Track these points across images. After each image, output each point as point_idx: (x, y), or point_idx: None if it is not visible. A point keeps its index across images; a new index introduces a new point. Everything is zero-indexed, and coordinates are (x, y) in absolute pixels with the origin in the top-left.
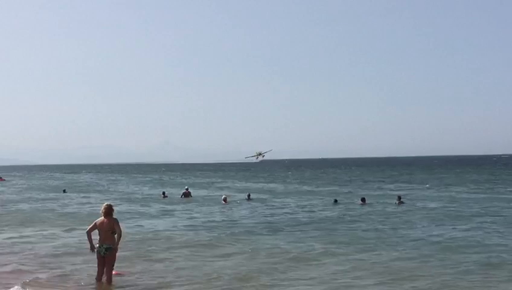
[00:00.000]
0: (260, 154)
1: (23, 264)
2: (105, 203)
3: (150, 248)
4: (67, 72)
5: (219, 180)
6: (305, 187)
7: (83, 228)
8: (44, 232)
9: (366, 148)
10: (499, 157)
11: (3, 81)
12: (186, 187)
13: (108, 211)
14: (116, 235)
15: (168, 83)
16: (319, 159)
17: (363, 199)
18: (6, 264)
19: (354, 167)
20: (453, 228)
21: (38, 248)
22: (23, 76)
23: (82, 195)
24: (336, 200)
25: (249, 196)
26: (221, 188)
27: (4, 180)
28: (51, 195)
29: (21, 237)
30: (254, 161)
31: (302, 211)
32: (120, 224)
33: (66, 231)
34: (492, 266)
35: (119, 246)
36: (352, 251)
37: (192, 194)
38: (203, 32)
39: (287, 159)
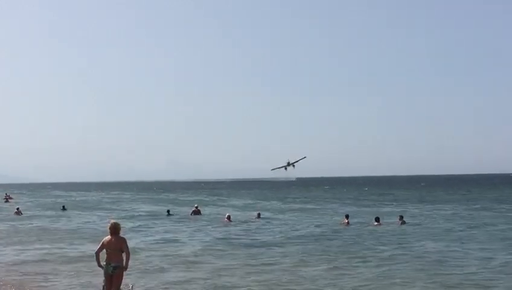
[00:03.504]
0: (290, 164)
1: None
2: (112, 221)
3: (150, 264)
4: (67, 84)
5: (232, 197)
6: (320, 205)
7: (84, 244)
8: (49, 249)
9: (361, 167)
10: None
11: (4, 97)
12: (195, 205)
13: (115, 229)
14: (124, 254)
15: (173, 98)
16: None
17: (377, 219)
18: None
19: (360, 185)
20: (446, 246)
21: (43, 264)
22: (25, 90)
23: (83, 213)
24: (347, 216)
25: (259, 214)
26: (232, 206)
27: (12, 198)
28: (53, 213)
29: (25, 253)
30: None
31: (309, 229)
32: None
33: (69, 247)
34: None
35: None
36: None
37: (201, 212)
38: (205, 43)
39: (296, 177)
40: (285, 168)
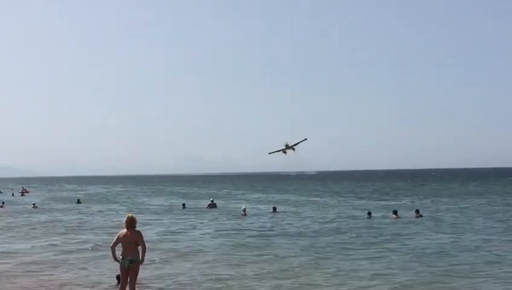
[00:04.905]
0: (289, 147)
1: (48, 273)
2: (128, 215)
3: (165, 258)
4: (83, 82)
5: (248, 191)
6: (337, 199)
7: (103, 237)
8: (69, 242)
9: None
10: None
11: (16, 92)
12: (211, 199)
13: (131, 223)
14: (140, 248)
15: (188, 92)
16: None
17: (395, 212)
18: (28, 274)
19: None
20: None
21: (63, 258)
22: (35, 85)
23: (98, 206)
24: (369, 213)
25: (274, 208)
26: (248, 200)
27: (28, 192)
28: (68, 206)
29: (46, 246)
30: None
31: (324, 223)
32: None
33: (88, 240)
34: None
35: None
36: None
37: (217, 205)
38: (219, 41)
39: (316, 171)
40: (284, 152)
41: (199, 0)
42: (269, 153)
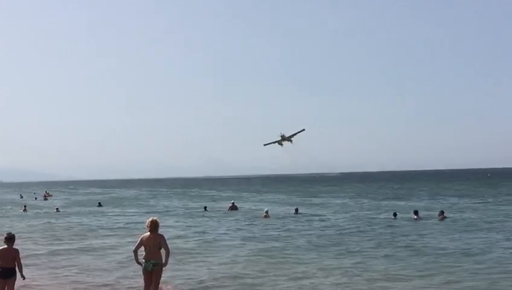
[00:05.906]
0: (285, 138)
1: (71, 277)
2: (151, 218)
3: (186, 260)
4: (102, 84)
5: (269, 193)
6: (356, 200)
7: (124, 240)
8: (90, 245)
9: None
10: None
11: (38, 97)
12: (232, 201)
13: (154, 226)
14: (162, 251)
15: (208, 95)
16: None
17: (415, 213)
18: (49, 276)
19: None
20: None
21: (83, 261)
22: (57, 89)
23: (118, 209)
24: (395, 214)
25: (296, 210)
26: (270, 201)
27: (51, 196)
28: (89, 209)
29: (66, 248)
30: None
31: (344, 224)
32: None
33: (109, 243)
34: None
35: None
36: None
37: (239, 207)
38: (237, 45)
39: (340, 172)
40: (280, 144)
41: (215, 5)
42: (264, 145)
